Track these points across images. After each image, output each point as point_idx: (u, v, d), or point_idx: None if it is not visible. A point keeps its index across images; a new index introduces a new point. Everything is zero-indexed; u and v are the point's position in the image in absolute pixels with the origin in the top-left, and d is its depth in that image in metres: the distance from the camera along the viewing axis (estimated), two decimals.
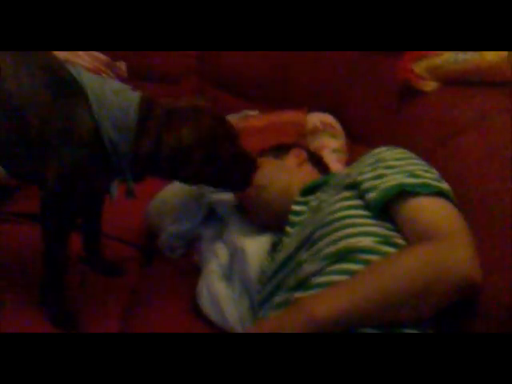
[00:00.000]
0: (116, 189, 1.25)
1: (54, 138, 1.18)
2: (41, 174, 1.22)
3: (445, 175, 1.10)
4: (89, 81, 1.21)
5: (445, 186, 1.06)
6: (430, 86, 1.53)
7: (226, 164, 1.25)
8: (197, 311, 1.34)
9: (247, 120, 1.88)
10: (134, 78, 2.06)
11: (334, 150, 1.74)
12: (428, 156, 1.19)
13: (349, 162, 1.72)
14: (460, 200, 1.06)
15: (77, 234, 1.38)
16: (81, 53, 2.01)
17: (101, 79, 1.29)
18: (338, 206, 1.09)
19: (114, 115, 1.18)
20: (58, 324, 1.28)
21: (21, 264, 1.43)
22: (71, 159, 1.19)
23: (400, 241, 1.02)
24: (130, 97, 1.23)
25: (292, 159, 1.42)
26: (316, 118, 1.86)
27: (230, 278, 1.34)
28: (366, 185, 1.07)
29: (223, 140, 1.24)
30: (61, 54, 1.89)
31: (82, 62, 1.99)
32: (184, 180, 1.31)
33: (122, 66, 2.08)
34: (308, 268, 1.05)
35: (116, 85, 1.30)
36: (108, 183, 1.25)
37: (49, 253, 1.27)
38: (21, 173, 1.30)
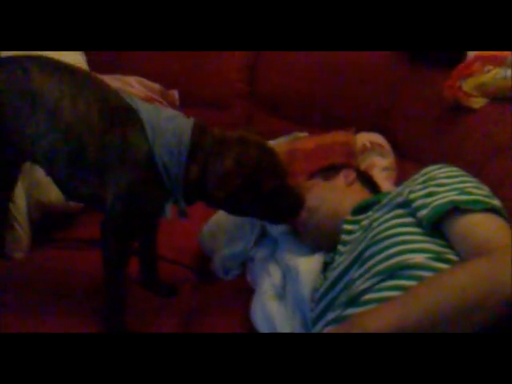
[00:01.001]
0: (170, 210, 1.29)
1: (112, 163, 1.24)
2: (100, 198, 1.27)
3: (495, 190, 1.11)
4: (144, 108, 1.27)
5: (496, 202, 1.06)
6: (478, 102, 1.54)
7: (269, 196, 1.27)
8: (251, 330, 1.36)
9: (297, 143, 1.90)
10: (186, 105, 2.12)
11: (384, 169, 1.75)
12: (477, 172, 1.19)
13: (398, 179, 1.73)
14: (510, 215, 1.06)
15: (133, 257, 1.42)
16: (133, 82, 2.09)
17: (155, 107, 1.35)
18: (390, 223, 1.10)
19: (167, 141, 1.23)
20: None
21: (82, 289, 1.47)
22: (127, 182, 1.24)
23: (452, 257, 1.02)
24: (184, 123, 1.28)
25: (342, 180, 1.44)
26: (364, 138, 1.88)
27: (283, 297, 1.36)
28: (418, 202, 1.08)
29: (267, 172, 1.26)
30: (114, 83, 1.98)
31: (134, 91, 2.06)
32: (229, 210, 1.35)
33: (174, 93, 2.13)
34: (360, 285, 1.07)
35: (170, 112, 1.36)
36: (162, 205, 1.28)
37: (109, 276, 1.31)
38: (79, 196, 1.35)
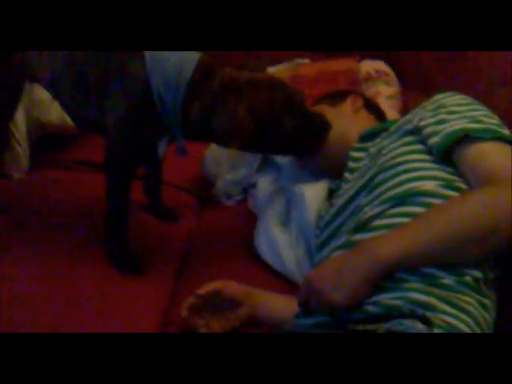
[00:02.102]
0: (165, 145, 1.27)
1: (110, 90, 1.22)
2: (103, 124, 1.26)
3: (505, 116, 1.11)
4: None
5: (506, 131, 1.06)
6: None
7: (289, 135, 1.24)
8: (255, 256, 1.38)
9: (298, 69, 1.87)
10: None
11: (388, 97, 1.73)
12: (486, 101, 1.18)
13: (403, 108, 1.72)
14: None
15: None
16: None
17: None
18: (399, 150, 1.10)
19: (166, 71, 1.19)
20: (121, 267, 1.33)
21: (84, 211, 1.47)
22: (124, 110, 1.22)
23: (462, 185, 1.03)
24: (188, 57, 1.23)
25: (348, 106, 1.41)
26: (369, 66, 1.84)
27: (286, 223, 1.37)
28: (429, 130, 1.08)
29: (283, 112, 1.21)
30: None
31: None
32: (243, 150, 1.32)
33: None
34: (369, 211, 1.07)
35: None
36: (159, 137, 1.26)
37: (112, 199, 1.31)
38: (86, 123, 1.34)
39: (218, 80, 1.21)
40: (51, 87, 1.30)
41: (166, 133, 1.26)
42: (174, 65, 1.20)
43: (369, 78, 1.80)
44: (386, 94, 1.74)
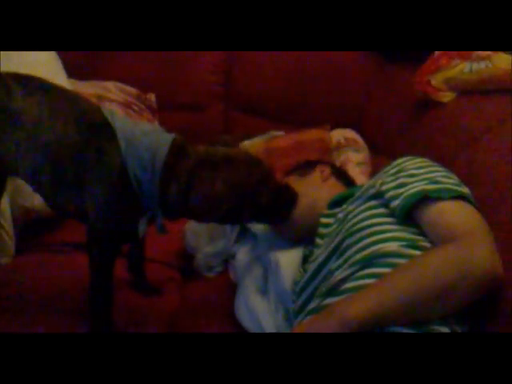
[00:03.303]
0: (145, 225, 1.30)
1: (89, 178, 1.26)
2: (82, 211, 1.30)
3: (465, 180, 1.16)
4: (120, 123, 1.29)
5: (465, 189, 1.11)
6: (446, 96, 1.60)
7: (263, 208, 1.28)
8: (236, 325, 1.40)
9: (273, 141, 1.95)
10: (163, 108, 2.16)
11: (358, 164, 1.81)
12: (449, 163, 1.24)
13: (372, 173, 1.78)
14: (480, 202, 1.12)
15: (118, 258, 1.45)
16: (112, 88, 2.11)
17: (133, 122, 1.36)
18: (364, 215, 1.15)
19: (141, 155, 1.23)
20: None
21: (68, 292, 1.50)
22: (103, 196, 1.26)
23: (425, 244, 1.07)
24: (160, 139, 1.27)
25: (317, 175, 1.48)
26: (339, 134, 1.93)
27: (265, 291, 1.40)
28: (390, 193, 1.13)
29: (259, 185, 1.26)
30: (92, 90, 2.01)
31: (112, 96, 2.09)
32: (219, 223, 1.36)
33: (151, 97, 2.16)
34: (338, 275, 1.11)
35: (147, 127, 1.38)
36: (139, 219, 1.30)
37: (96, 279, 1.33)
38: (66, 211, 1.37)
39: (193, 158, 1.25)
40: (32, 182, 1.34)
41: (146, 213, 1.29)
42: (148, 148, 1.24)
43: (339, 146, 1.88)
44: (355, 160, 1.81)
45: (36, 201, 1.67)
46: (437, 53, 1.66)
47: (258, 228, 1.52)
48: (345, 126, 2.00)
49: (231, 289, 1.50)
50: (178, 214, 1.30)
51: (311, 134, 1.92)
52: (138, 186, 1.24)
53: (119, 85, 2.14)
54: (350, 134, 1.94)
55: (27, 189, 1.59)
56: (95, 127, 1.28)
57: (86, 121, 1.28)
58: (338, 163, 1.77)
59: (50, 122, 1.26)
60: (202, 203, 1.24)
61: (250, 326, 1.37)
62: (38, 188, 1.35)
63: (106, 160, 1.24)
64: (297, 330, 1.05)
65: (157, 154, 1.23)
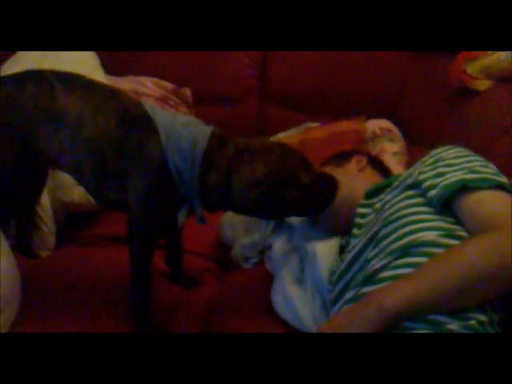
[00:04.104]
0: (184, 215, 1.33)
1: (130, 170, 1.29)
2: (124, 202, 1.33)
3: (503, 170, 1.15)
4: (160, 116, 1.32)
5: (503, 179, 1.10)
6: (483, 85, 1.58)
7: (301, 196, 1.29)
8: (273, 315, 1.41)
9: (309, 132, 1.95)
10: (199, 102, 2.18)
11: (394, 154, 1.80)
12: (486, 152, 1.23)
13: (408, 163, 1.77)
14: None
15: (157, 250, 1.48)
16: (148, 83, 2.14)
17: (171, 114, 1.39)
18: (401, 204, 1.15)
19: (181, 146, 1.27)
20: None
21: (107, 285, 1.53)
22: (144, 187, 1.29)
23: (463, 233, 1.07)
24: (199, 130, 1.31)
25: (353, 165, 1.48)
26: (374, 125, 1.92)
27: (301, 281, 1.41)
28: (428, 183, 1.13)
29: (296, 172, 1.28)
30: (129, 85, 2.04)
31: (149, 91, 2.12)
32: (259, 215, 1.37)
33: (187, 91, 2.18)
34: (375, 264, 1.11)
35: (186, 119, 1.40)
36: (178, 209, 1.33)
37: (136, 271, 1.37)
38: (108, 202, 1.40)
39: (232, 147, 1.28)
40: (74, 173, 1.38)
41: (185, 204, 1.32)
42: (188, 139, 1.27)
43: (374, 137, 1.88)
44: (391, 150, 1.80)
45: (76, 195, 1.71)
46: None
47: (293, 219, 1.53)
48: (380, 116, 1.99)
49: (268, 279, 1.51)
50: (218, 205, 1.32)
51: (346, 125, 1.92)
52: (178, 177, 1.27)
53: (155, 80, 2.17)
54: (385, 123, 1.93)
55: (67, 183, 1.65)
56: (136, 120, 1.31)
57: (127, 114, 1.31)
58: (373, 153, 1.76)
59: (92, 118, 1.30)
60: (244, 188, 1.26)
61: (287, 316, 1.38)
62: (80, 181, 1.38)
63: (146, 152, 1.28)
64: (335, 319, 1.06)
65: (196, 145, 1.27)
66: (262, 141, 1.32)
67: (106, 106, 1.32)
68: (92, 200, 1.52)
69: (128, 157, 1.29)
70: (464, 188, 1.08)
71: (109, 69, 2.06)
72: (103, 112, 1.30)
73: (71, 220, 1.80)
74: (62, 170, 1.46)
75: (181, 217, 1.33)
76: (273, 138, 1.93)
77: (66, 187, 1.71)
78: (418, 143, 1.85)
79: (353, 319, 1.00)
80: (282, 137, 1.95)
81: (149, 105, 1.37)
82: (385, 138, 1.86)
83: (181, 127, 1.30)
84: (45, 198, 1.67)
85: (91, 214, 1.82)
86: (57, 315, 1.41)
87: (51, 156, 1.36)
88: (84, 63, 1.89)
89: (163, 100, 2.11)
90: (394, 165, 1.71)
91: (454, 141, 1.28)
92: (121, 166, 1.30)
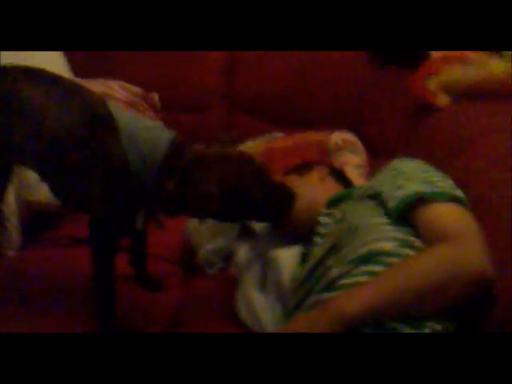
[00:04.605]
0: (143, 218, 1.34)
1: (92, 169, 1.30)
2: (85, 200, 1.35)
3: (460, 185, 1.20)
4: (123, 117, 1.33)
5: (459, 193, 1.16)
6: (442, 101, 1.63)
7: (257, 204, 1.32)
8: (236, 320, 1.43)
9: (274, 141, 1.99)
10: (166, 108, 2.19)
11: (356, 166, 1.85)
12: (445, 167, 1.28)
13: (370, 176, 1.81)
14: (474, 206, 1.16)
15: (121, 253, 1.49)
16: (116, 87, 2.14)
17: (136, 117, 1.41)
18: (361, 214, 1.20)
19: (141, 149, 1.28)
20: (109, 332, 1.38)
21: (72, 286, 1.53)
22: (105, 185, 1.30)
23: (419, 244, 1.11)
24: (162, 135, 1.32)
25: (315, 175, 1.51)
26: (338, 137, 1.96)
27: (264, 287, 1.44)
28: (387, 194, 1.17)
29: (252, 182, 1.30)
30: (97, 88, 2.05)
31: (116, 95, 2.12)
32: (217, 219, 1.40)
33: (154, 96, 2.20)
34: (335, 271, 1.15)
35: (150, 123, 1.41)
36: (138, 210, 1.34)
37: (99, 270, 1.37)
38: (70, 200, 1.42)
39: (189, 157, 1.29)
40: (36, 169, 1.39)
41: (144, 206, 1.33)
42: (149, 144, 1.28)
43: (337, 149, 1.92)
44: (353, 162, 1.85)
45: (41, 195, 1.71)
46: (433, 56, 1.70)
47: (258, 226, 1.56)
48: (344, 128, 2.03)
49: (232, 285, 1.54)
50: (176, 210, 1.34)
51: (311, 136, 1.97)
52: (138, 179, 1.28)
53: (123, 84, 2.17)
54: (348, 136, 1.98)
55: (33, 182, 1.65)
56: (100, 119, 1.31)
57: (91, 112, 1.32)
58: (336, 165, 1.81)
59: (56, 112, 1.30)
60: (195, 201, 1.28)
61: (249, 321, 1.41)
62: (43, 177, 1.39)
63: (109, 152, 1.28)
64: (293, 324, 1.09)
65: (156, 150, 1.28)
66: (219, 151, 1.33)
67: (71, 101, 1.32)
68: (57, 200, 1.51)
69: (90, 155, 1.29)
70: (421, 200, 1.12)
71: (77, 71, 2.07)
72: (67, 108, 1.31)
73: (37, 220, 1.80)
74: (25, 167, 1.46)
75: (139, 219, 1.34)
76: (241, 147, 1.96)
77: (31, 186, 1.70)
78: (381, 156, 1.89)
79: (312, 324, 1.04)
80: (248, 146, 1.99)
81: (113, 105, 1.37)
82: (347, 150, 1.91)
83: (143, 130, 1.31)
84: (10, 197, 1.67)
85: (58, 214, 1.82)
86: (22, 315, 1.42)
87: (14, 150, 1.35)
88: (52, 65, 1.89)
89: (131, 104, 2.12)
90: (356, 177, 1.76)
91: (416, 154, 1.32)
92: (83, 164, 1.30)
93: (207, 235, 1.67)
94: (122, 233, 1.44)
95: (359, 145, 1.96)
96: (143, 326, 1.46)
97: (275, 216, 1.39)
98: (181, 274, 1.73)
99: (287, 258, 1.40)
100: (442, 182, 1.17)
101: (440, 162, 1.31)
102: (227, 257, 1.67)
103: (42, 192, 1.69)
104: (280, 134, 2.06)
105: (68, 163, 1.31)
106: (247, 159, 1.33)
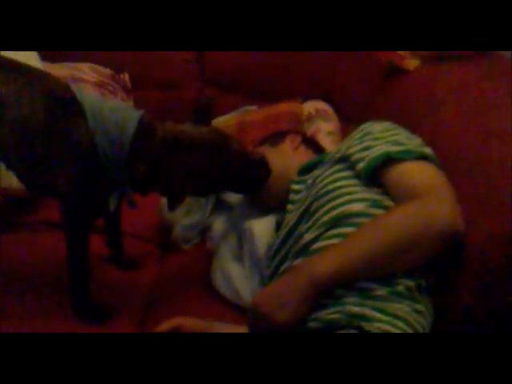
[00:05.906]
0: (115, 199, 1.32)
1: (58, 154, 1.28)
2: (53, 186, 1.32)
3: (431, 146, 1.19)
4: (88, 99, 1.30)
5: (427, 150, 1.16)
6: (411, 64, 1.63)
7: (232, 179, 1.32)
8: (214, 292, 1.44)
9: (246, 115, 1.98)
10: (137, 87, 2.17)
11: (329, 133, 1.85)
12: (414, 129, 1.28)
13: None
14: (446, 167, 1.16)
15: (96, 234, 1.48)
16: (85, 68, 2.12)
17: (100, 98, 1.39)
18: (331, 178, 1.19)
19: (109, 131, 1.25)
20: (88, 321, 1.37)
21: (47, 270, 1.51)
22: (73, 171, 1.28)
23: (390, 203, 1.12)
24: (129, 116, 1.29)
25: (287, 144, 1.51)
26: (310, 106, 1.96)
27: (240, 258, 1.44)
28: (356, 156, 1.17)
29: (224, 160, 1.30)
30: (66, 71, 2.02)
31: (86, 77, 2.09)
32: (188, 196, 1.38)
33: (125, 76, 2.17)
34: (307, 236, 1.15)
35: (116, 104, 1.40)
36: (110, 193, 1.32)
37: (73, 254, 1.36)
38: (37, 187, 1.40)
39: (160, 139, 1.27)
40: (2, 159, 1.37)
41: (117, 187, 1.32)
42: (116, 125, 1.26)
43: (310, 117, 1.92)
44: (326, 130, 1.85)
45: (13, 180, 1.68)
46: None
47: (232, 199, 1.56)
48: (315, 97, 2.03)
49: (208, 259, 1.54)
50: (148, 190, 1.33)
51: (283, 107, 1.96)
52: (107, 162, 1.26)
53: (93, 65, 2.14)
54: (320, 104, 1.98)
55: (3, 169, 1.62)
56: (63, 103, 1.29)
57: (53, 97, 1.29)
58: (309, 133, 1.80)
59: (16, 99, 1.28)
60: (167, 185, 1.27)
61: (226, 292, 1.41)
62: (9, 165, 1.37)
63: (74, 136, 1.26)
64: (267, 289, 1.09)
65: (124, 131, 1.25)
66: (193, 130, 1.31)
67: (31, 88, 1.29)
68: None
69: (56, 141, 1.27)
70: (389, 160, 1.12)
71: (45, 55, 2.03)
72: (28, 94, 1.28)
73: (11, 206, 1.78)
74: None
75: (112, 200, 1.32)
76: (213, 122, 1.94)
77: (2, 173, 1.68)
78: (351, 122, 1.88)
79: (284, 288, 1.05)
80: (222, 120, 1.97)
81: (76, 88, 1.35)
82: (320, 118, 1.91)
83: (109, 112, 1.28)
84: None
85: (31, 199, 1.80)
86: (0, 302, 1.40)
87: None
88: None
89: (101, 85, 2.09)
90: (329, 144, 1.76)
91: (386, 118, 1.32)
92: (49, 150, 1.28)
93: (182, 211, 1.66)
94: (95, 214, 1.43)
95: (331, 112, 1.96)
96: (121, 305, 1.45)
97: (250, 188, 1.39)
98: (157, 251, 1.72)
99: (262, 227, 1.40)
100: (409, 140, 1.17)
101: (410, 124, 1.31)
102: (203, 231, 1.67)
103: (14, 178, 1.67)
104: (253, 107, 2.05)
105: (34, 151, 1.29)
106: (219, 136, 1.32)
